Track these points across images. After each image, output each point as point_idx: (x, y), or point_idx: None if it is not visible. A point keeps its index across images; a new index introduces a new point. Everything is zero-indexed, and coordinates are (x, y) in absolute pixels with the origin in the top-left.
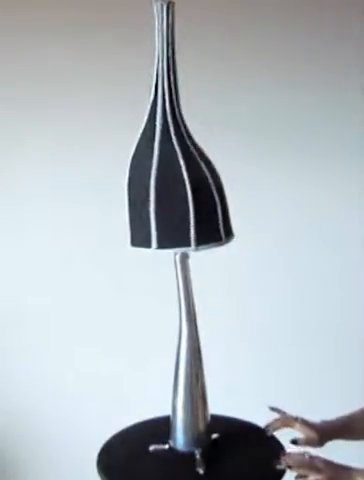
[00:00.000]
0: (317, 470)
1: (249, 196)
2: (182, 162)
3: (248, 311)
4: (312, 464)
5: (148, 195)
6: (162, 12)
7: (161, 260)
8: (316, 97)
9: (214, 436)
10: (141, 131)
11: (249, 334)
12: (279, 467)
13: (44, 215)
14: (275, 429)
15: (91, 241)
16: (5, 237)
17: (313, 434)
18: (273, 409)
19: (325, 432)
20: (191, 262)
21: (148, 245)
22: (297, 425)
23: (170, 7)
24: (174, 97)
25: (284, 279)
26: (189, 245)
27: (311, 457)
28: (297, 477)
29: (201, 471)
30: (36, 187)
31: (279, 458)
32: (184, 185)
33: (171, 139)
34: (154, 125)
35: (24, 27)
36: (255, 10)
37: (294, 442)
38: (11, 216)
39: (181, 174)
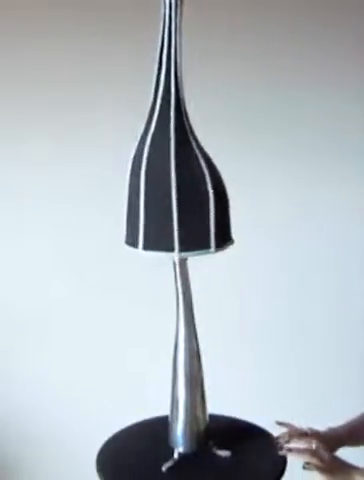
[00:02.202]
0: (320, 458)
1: (249, 196)
2: (173, 162)
3: (248, 311)
4: (317, 453)
5: (138, 196)
6: (170, 8)
7: (161, 260)
8: (316, 97)
9: (213, 436)
10: (143, 129)
11: (249, 334)
12: (281, 453)
13: (44, 215)
14: (286, 442)
15: (91, 241)
16: (4, 237)
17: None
18: (280, 424)
19: (333, 441)
20: (191, 262)
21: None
22: (306, 438)
23: (179, 3)
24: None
25: (284, 279)
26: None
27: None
28: (304, 465)
29: (224, 454)
30: (36, 187)
31: (276, 445)
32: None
33: (169, 137)
34: (151, 121)
35: (24, 27)
36: (256, 10)
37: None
38: (11, 216)
39: (169, 175)
